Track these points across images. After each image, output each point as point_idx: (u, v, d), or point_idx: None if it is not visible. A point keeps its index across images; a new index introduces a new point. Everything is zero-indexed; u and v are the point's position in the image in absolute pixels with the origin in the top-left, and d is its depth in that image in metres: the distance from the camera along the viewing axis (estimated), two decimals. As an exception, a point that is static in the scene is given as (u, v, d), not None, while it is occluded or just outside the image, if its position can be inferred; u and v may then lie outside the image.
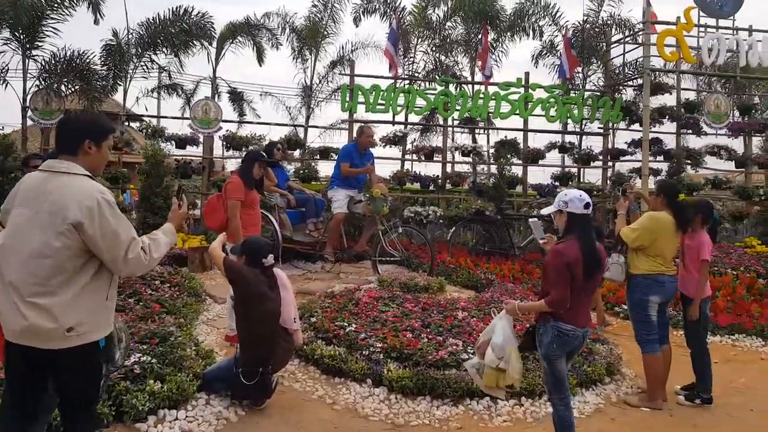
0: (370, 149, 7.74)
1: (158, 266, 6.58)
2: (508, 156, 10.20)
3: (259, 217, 4.88)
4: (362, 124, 8.13)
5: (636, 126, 11.10)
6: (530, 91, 10.37)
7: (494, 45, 12.14)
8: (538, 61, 12.70)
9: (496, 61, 12.20)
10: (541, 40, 12.25)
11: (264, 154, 5.22)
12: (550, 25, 11.94)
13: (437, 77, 10.99)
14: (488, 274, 7.70)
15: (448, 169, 10.56)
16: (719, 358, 5.72)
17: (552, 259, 3.10)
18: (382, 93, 9.80)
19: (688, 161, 10.99)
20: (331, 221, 7.40)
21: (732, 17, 10.40)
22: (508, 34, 12.13)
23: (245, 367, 3.54)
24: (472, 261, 8.28)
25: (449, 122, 10.92)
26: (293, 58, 12.73)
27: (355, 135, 7.98)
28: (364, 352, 4.20)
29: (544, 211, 3.42)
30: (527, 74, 10.50)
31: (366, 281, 6.94)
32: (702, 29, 10.05)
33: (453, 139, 11.47)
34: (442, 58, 12.07)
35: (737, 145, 11.98)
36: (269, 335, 3.55)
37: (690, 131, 11.31)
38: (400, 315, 4.99)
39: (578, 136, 11.68)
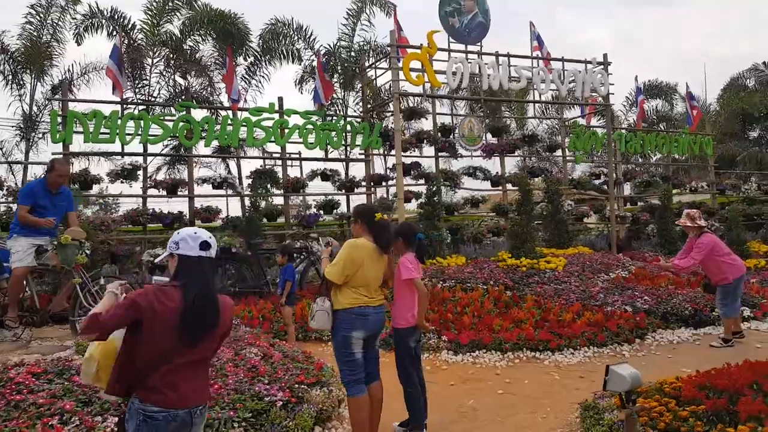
0: (67, 188, 6.54)
1: None
2: (267, 186, 9.65)
3: None
4: (54, 158, 6.88)
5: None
6: (285, 117, 10.03)
7: (252, 69, 11.71)
8: (302, 86, 12.62)
9: (257, 86, 11.78)
10: (301, 65, 12.18)
11: None
12: (306, 48, 11.94)
13: (179, 102, 10.08)
14: (234, 318, 7.00)
15: (198, 204, 9.61)
16: (456, 379, 5.69)
17: (128, 298, 2.39)
18: (105, 120, 8.54)
19: (447, 183, 11.68)
20: (11, 278, 6.13)
21: (479, 43, 11.50)
22: (266, 57, 11.81)
23: None
24: (216, 307, 7.45)
25: (197, 152, 10.04)
26: (6, 83, 10.77)
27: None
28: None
29: (160, 260, 2.71)
30: (281, 99, 10.18)
31: (62, 348, 5.83)
32: (454, 54, 10.86)
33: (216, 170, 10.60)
34: (183, 80, 11.21)
35: (493, 165, 13.22)
36: None
37: (447, 154, 12.10)
38: (62, 392, 3.90)
39: (344, 163, 11.72)
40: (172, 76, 11.12)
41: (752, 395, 3.66)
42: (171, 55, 10.90)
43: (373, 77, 11.14)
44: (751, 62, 28.53)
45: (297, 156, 10.61)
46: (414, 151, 11.89)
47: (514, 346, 6.53)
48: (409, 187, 12.02)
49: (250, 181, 10.19)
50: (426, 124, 12.56)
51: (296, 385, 4.43)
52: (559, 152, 14.69)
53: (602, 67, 12.72)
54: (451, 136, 12.28)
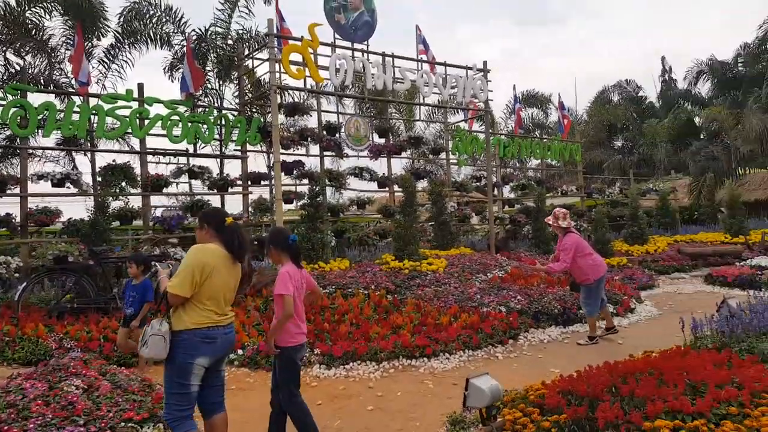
0: None
1: None
2: (122, 184, 8.50)
3: None
4: None
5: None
6: (146, 105, 8.93)
7: (112, 53, 10.39)
8: (172, 73, 11.44)
9: (118, 71, 10.46)
10: (171, 51, 11.02)
11: None
12: (176, 32, 10.82)
13: (10, 84, 8.60)
14: (67, 341, 5.96)
15: (33, 204, 8.20)
16: (325, 397, 5.20)
17: None
18: None
19: (331, 183, 11.18)
20: None
21: (366, 43, 11.10)
22: (130, 39, 10.54)
23: None
24: (47, 325, 6.30)
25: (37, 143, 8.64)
26: None
27: None
28: None
29: None
30: (141, 86, 9.06)
31: None
32: (339, 50, 10.34)
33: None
34: (18, 59, 9.65)
35: (379, 166, 12.94)
36: None
37: (332, 153, 11.60)
38: None
39: (218, 160, 10.77)
40: (3, 53, 9.49)
41: (610, 400, 3.53)
42: (4, 29, 9.28)
43: (254, 68, 10.32)
44: (616, 79, 31.38)
45: (175, 151, 9.43)
46: (297, 149, 11.24)
47: (390, 354, 6.20)
48: (291, 187, 11.36)
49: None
50: (312, 122, 11.99)
51: (122, 424, 3.68)
52: (444, 155, 14.77)
53: (482, 74, 12.92)
54: (337, 135, 11.81)
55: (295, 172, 10.89)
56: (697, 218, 19.87)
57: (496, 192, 14.73)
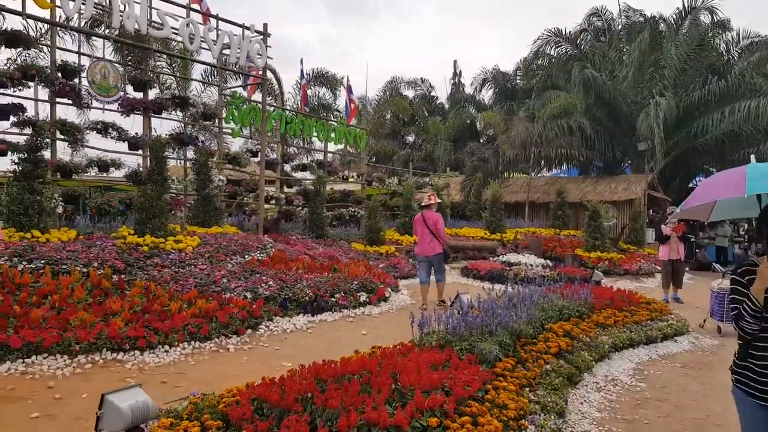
0: None
1: None
2: None
3: None
4: None
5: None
6: None
7: None
8: None
9: None
10: None
11: None
12: None
13: None
14: None
15: None
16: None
17: None
18: None
19: (64, 137, 9.57)
20: None
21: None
22: None
23: None
24: None
25: None
26: None
27: None
28: None
29: None
30: None
31: None
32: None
33: None
34: None
35: (132, 125, 11.54)
36: None
37: (69, 102, 9.92)
38: None
39: None
40: None
41: (302, 411, 3.29)
42: None
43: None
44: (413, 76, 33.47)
45: None
46: (20, 89, 9.34)
47: (90, 347, 5.41)
48: (8, 137, 9.42)
49: None
50: (46, 61, 10.08)
51: None
52: (218, 123, 13.84)
53: (261, 37, 12.35)
54: (77, 81, 10.13)
55: (12, 117, 9.03)
56: (466, 214, 22.22)
57: (279, 171, 14.29)
